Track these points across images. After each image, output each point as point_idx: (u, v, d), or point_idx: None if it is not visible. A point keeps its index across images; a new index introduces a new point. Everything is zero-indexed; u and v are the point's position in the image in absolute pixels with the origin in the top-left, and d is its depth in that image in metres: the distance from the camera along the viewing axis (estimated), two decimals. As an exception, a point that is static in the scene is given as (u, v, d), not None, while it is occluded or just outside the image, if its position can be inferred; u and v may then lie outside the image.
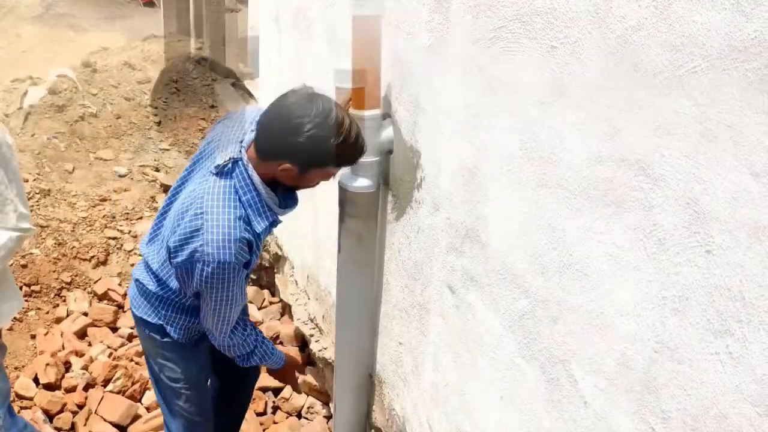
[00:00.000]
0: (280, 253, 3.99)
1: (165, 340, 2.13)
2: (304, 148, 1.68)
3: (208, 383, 2.41)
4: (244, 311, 2.13)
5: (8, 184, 2.11)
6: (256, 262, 1.93)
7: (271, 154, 1.75)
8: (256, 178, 1.79)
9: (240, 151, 1.81)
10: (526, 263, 1.45)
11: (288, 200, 1.92)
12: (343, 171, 2.04)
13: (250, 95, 5.58)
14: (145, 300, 2.13)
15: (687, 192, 1.01)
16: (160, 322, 2.10)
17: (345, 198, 2.08)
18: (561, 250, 1.33)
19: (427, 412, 2.06)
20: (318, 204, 3.04)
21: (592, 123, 1.20)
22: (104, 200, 4.52)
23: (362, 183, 2.06)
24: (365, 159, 2.03)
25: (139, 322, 2.19)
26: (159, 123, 5.56)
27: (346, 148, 1.72)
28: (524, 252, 1.46)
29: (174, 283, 1.99)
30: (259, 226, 1.82)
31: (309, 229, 3.24)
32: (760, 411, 0.93)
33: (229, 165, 1.79)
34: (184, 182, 2.00)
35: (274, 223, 1.89)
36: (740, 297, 0.94)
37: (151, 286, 2.07)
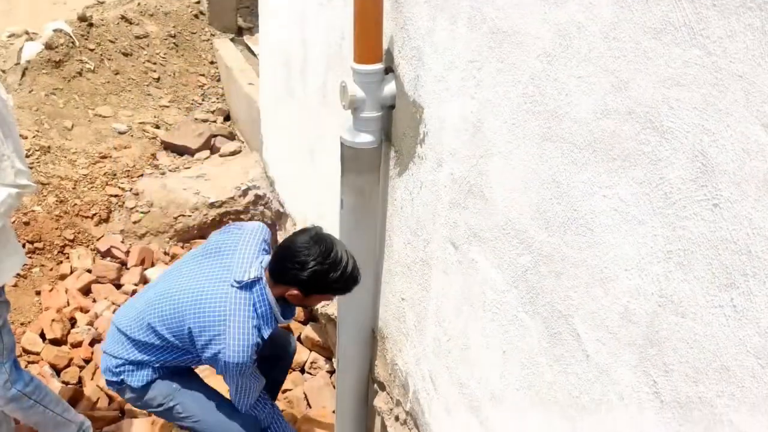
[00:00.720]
0: (282, 210, 3.99)
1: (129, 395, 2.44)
2: (308, 280, 2.07)
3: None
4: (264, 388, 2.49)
5: (4, 140, 2.10)
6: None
7: (283, 281, 2.14)
8: (271, 297, 2.19)
9: (260, 270, 2.20)
10: (530, 218, 1.45)
11: (289, 312, 2.33)
12: (345, 129, 2.04)
13: (250, 51, 5.50)
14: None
15: (695, 145, 1.00)
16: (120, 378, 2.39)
17: (346, 153, 2.06)
18: (565, 204, 1.33)
19: (430, 366, 2.08)
20: (319, 161, 3.02)
21: (599, 75, 1.18)
22: (104, 157, 4.49)
23: (364, 138, 2.04)
24: (368, 114, 2.01)
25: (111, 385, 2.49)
26: (158, 79, 5.48)
27: (342, 281, 2.09)
28: (528, 207, 1.45)
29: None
30: (266, 332, 2.22)
31: (311, 186, 3.23)
32: (762, 363, 0.93)
33: (251, 282, 2.18)
34: (181, 272, 2.35)
35: (276, 329, 2.29)
36: (746, 250, 0.94)
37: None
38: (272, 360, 2.71)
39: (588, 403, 1.34)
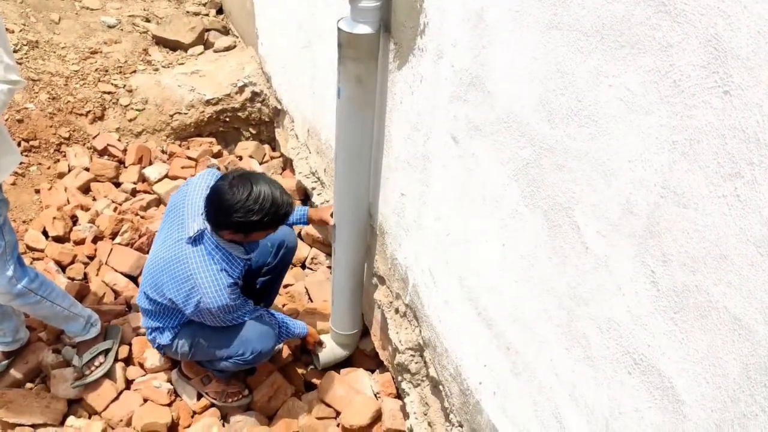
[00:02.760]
0: (279, 107, 3.93)
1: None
2: (239, 224, 2.24)
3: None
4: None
5: (-9, 34, 2.02)
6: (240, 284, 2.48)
7: (218, 227, 2.30)
8: (222, 242, 2.34)
9: (204, 222, 2.33)
10: (533, 110, 1.41)
11: (251, 245, 2.47)
12: (343, 19, 1.97)
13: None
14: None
15: (708, 28, 0.96)
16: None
17: (343, 40, 1.99)
18: (569, 95, 1.29)
19: (429, 260, 2.11)
20: (317, 57, 2.94)
21: (611, -45, 1.11)
22: (95, 53, 4.36)
23: (362, 30, 1.97)
24: (366, 4, 1.93)
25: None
26: (146, -31, 5.25)
27: (271, 216, 2.25)
28: (531, 99, 1.41)
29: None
30: (234, 272, 2.37)
31: (308, 82, 3.16)
32: (762, 251, 0.93)
33: (198, 236, 2.33)
34: (157, 239, 2.56)
35: (245, 268, 2.44)
36: (755, 138, 0.91)
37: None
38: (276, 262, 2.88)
39: (585, 293, 1.36)
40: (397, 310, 2.47)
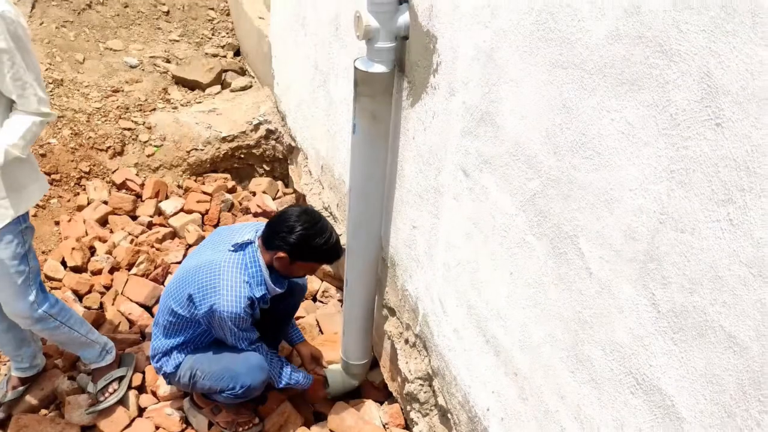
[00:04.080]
0: (293, 144, 4.04)
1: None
2: (295, 243, 2.35)
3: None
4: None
5: (26, 69, 2.14)
6: (257, 316, 2.55)
7: (272, 246, 2.39)
8: (262, 260, 2.43)
9: (254, 235, 2.47)
10: (540, 144, 1.50)
11: (279, 282, 2.52)
12: (359, 59, 2.08)
13: (259, -16, 5.43)
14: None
15: (702, 67, 1.04)
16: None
17: (359, 78, 2.10)
18: (574, 129, 1.38)
19: (439, 290, 2.17)
20: (332, 96, 3.05)
21: (612, 0, 1.21)
22: (117, 91, 4.52)
23: (378, 69, 2.07)
24: (381, 45, 2.04)
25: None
26: (167, 13, 5.45)
27: (326, 248, 2.39)
28: (538, 133, 1.50)
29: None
30: (257, 292, 2.42)
31: (323, 119, 3.27)
32: (753, 271, 1.00)
33: (244, 244, 2.44)
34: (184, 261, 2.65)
35: (265, 297, 2.48)
36: (745, 167, 0.99)
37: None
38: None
39: (589, 317, 1.43)
40: (407, 341, 2.53)
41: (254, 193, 4.32)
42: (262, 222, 2.59)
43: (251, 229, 2.54)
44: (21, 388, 2.83)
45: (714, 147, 1.04)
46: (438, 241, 2.12)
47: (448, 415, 2.25)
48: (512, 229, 1.68)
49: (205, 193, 4.15)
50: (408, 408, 2.61)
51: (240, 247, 2.44)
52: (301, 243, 2.36)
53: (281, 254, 2.38)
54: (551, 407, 1.63)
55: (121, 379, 2.86)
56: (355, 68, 2.10)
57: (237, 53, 5.33)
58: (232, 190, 4.30)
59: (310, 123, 3.57)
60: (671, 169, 1.14)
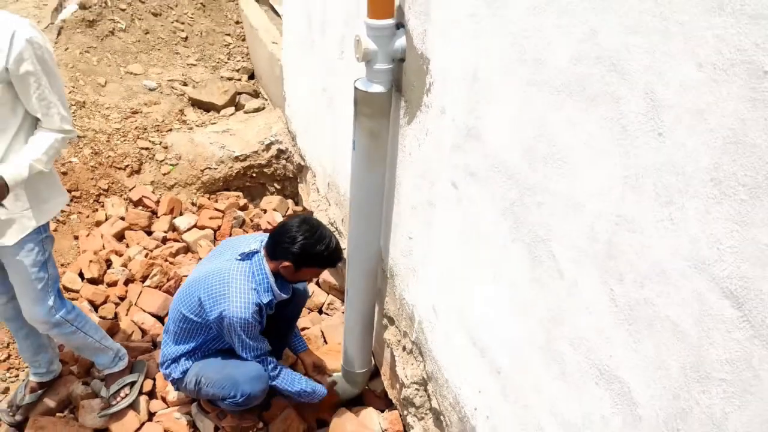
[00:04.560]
0: (302, 164, 4.20)
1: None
2: (298, 252, 2.50)
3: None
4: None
5: (51, 90, 2.31)
6: (264, 325, 2.68)
7: (277, 256, 2.55)
8: (268, 268, 2.58)
9: (260, 245, 2.62)
10: (518, 156, 1.63)
11: (284, 288, 2.66)
12: (359, 80, 2.23)
13: (274, 11, 5.65)
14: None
15: (646, 84, 1.17)
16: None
17: (359, 98, 2.25)
18: (546, 142, 1.51)
19: (433, 297, 2.29)
20: (338, 116, 3.21)
21: (574, 25, 1.35)
22: (136, 113, 4.73)
23: (376, 89, 2.22)
24: (380, 66, 2.19)
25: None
26: (186, 39, 5.68)
27: (328, 253, 2.54)
28: (516, 145, 1.63)
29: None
30: (264, 298, 2.57)
31: (329, 138, 3.43)
32: (689, 264, 1.12)
33: (250, 254, 2.59)
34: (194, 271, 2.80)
35: (271, 303, 2.61)
36: (682, 171, 1.12)
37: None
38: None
39: (560, 314, 1.54)
40: (404, 348, 2.64)
41: (265, 211, 4.48)
42: (266, 234, 2.73)
43: (256, 239, 2.69)
44: (38, 392, 2.97)
45: (657, 154, 1.17)
46: (432, 250, 2.25)
47: (441, 417, 2.36)
48: (495, 235, 1.80)
49: (217, 210, 4.31)
50: (405, 413, 2.72)
51: (246, 256, 2.59)
52: (303, 252, 2.51)
53: (286, 263, 2.53)
54: (530, 403, 1.73)
55: (132, 384, 3.00)
56: (355, 88, 2.25)
57: (251, 76, 5.53)
58: (243, 208, 4.46)
59: (318, 141, 3.73)
60: (624, 175, 1.26)
